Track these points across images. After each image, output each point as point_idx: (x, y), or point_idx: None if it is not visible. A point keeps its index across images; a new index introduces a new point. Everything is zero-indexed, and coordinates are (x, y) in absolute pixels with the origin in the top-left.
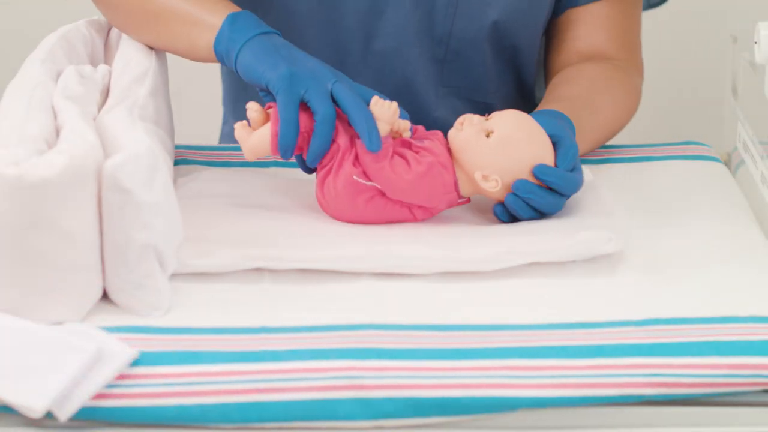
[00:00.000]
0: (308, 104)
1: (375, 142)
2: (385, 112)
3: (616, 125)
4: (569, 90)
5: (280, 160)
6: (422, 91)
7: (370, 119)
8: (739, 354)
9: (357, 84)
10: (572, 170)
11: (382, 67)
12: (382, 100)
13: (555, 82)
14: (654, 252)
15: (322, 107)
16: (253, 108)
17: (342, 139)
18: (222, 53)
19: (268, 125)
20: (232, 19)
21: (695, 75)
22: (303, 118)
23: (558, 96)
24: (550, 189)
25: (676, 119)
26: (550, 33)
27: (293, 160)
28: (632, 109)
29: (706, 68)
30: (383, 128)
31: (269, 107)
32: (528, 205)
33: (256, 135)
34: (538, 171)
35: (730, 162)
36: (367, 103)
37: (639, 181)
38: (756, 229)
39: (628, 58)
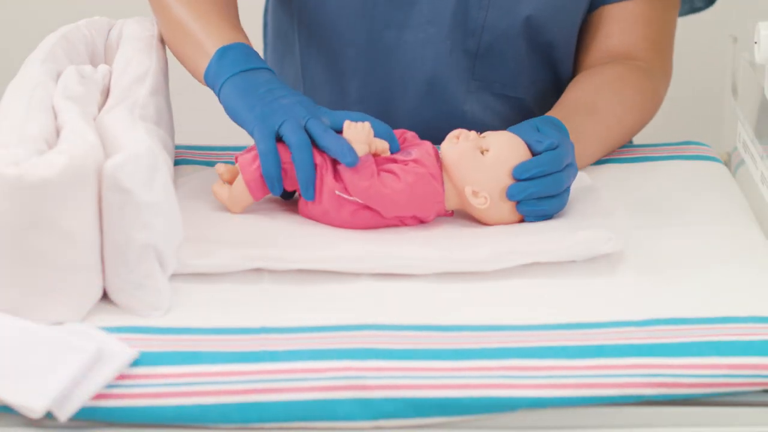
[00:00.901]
0: (283, 138)
1: (349, 155)
2: (359, 133)
3: (624, 126)
4: (574, 92)
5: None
6: (452, 83)
7: (341, 139)
8: (739, 354)
9: (334, 111)
10: (556, 148)
11: (412, 58)
12: (353, 123)
13: (570, 84)
14: (654, 252)
15: (294, 137)
16: (220, 170)
17: (317, 159)
18: (210, 86)
19: (241, 177)
20: (220, 54)
21: (695, 75)
22: (282, 154)
23: (561, 100)
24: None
25: (676, 119)
26: (581, 30)
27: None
28: (645, 110)
29: (706, 68)
30: (360, 149)
31: (236, 159)
32: (537, 198)
33: (233, 188)
34: (517, 172)
35: (730, 162)
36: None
37: (639, 181)
38: (756, 229)
39: (653, 60)
